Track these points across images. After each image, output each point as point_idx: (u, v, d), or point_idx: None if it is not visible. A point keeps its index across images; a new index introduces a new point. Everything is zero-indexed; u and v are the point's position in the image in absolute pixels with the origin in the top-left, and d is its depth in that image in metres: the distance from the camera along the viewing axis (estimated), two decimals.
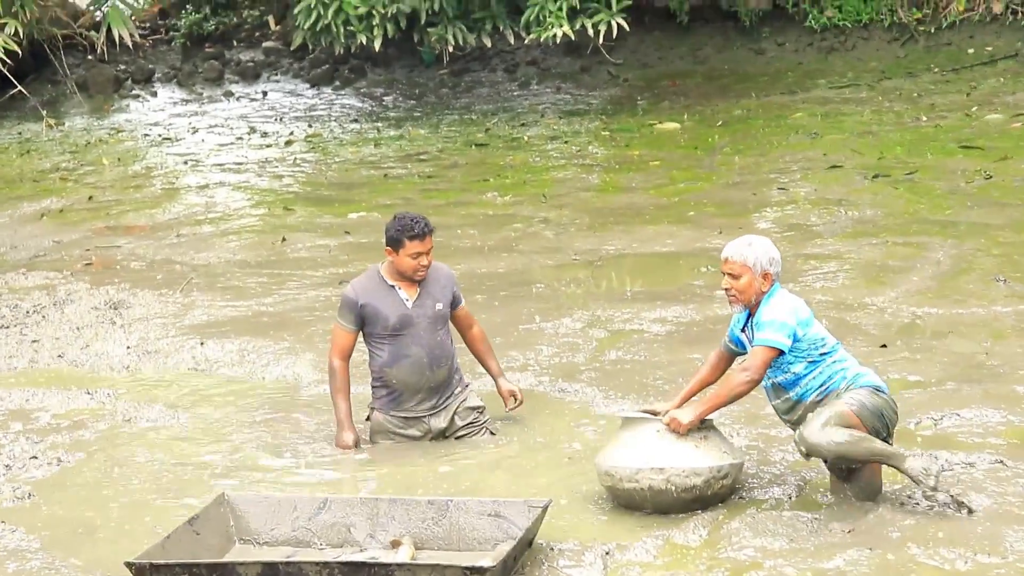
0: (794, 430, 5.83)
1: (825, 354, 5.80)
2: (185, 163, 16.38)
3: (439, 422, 6.92)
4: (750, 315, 5.87)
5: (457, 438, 6.92)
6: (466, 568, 4.90)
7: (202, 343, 8.96)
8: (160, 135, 18.39)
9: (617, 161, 15.15)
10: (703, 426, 5.86)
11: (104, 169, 16.10)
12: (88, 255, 11.87)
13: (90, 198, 14.42)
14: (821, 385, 5.79)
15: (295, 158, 16.52)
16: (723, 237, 11.42)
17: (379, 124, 18.45)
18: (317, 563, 4.98)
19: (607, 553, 5.39)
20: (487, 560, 5.11)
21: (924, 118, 15.82)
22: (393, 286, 6.80)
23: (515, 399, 7.11)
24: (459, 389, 6.99)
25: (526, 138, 16.83)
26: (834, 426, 5.59)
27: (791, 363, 5.79)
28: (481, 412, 7.01)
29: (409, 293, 6.81)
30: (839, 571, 5.10)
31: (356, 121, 18.85)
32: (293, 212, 13.39)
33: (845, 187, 12.83)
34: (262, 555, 5.50)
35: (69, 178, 15.66)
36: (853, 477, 5.81)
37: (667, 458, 5.77)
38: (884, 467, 5.80)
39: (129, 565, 5.07)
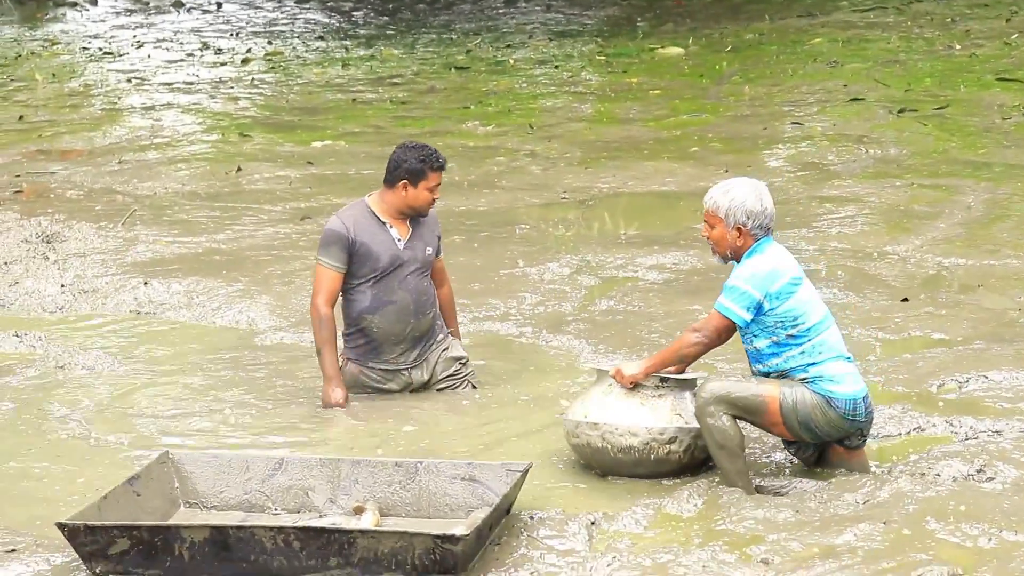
0: None
1: (794, 338, 5.67)
2: (128, 81, 16.29)
3: (421, 375, 6.95)
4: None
5: (438, 390, 6.95)
6: (436, 536, 4.92)
7: (146, 283, 8.95)
8: (100, 49, 18.26)
9: (613, 89, 15.13)
10: (665, 384, 5.84)
11: (37, 85, 16.01)
12: (18, 181, 11.83)
13: (20, 118, 14.34)
14: (781, 373, 5.72)
15: (253, 78, 16.43)
16: (730, 176, 11.43)
17: (347, 42, 18.36)
18: (271, 528, 4.99)
19: (593, 523, 5.42)
20: (459, 528, 5.13)
21: (958, 46, 15.81)
22: (385, 223, 6.79)
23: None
24: (440, 336, 7.01)
25: (512, 61, 16.77)
26: (731, 414, 5.61)
27: (755, 335, 5.74)
28: (464, 363, 7.04)
29: (401, 232, 6.81)
30: (849, 547, 5.14)
31: (322, 38, 18.75)
32: (250, 139, 13.35)
33: (867, 122, 12.83)
34: (210, 519, 5.52)
35: None
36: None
37: (604, 413, 5.82)
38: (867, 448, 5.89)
39: (61, 527, 5.07)
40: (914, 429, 6.29)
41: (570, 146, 12.75)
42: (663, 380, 5.84)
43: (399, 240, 6.79)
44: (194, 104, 15.13)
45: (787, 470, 5.92)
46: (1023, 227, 9.64)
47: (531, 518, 5.45)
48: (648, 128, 13.31)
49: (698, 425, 5.77)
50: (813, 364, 5.69)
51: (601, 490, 5.81)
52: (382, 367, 6.88)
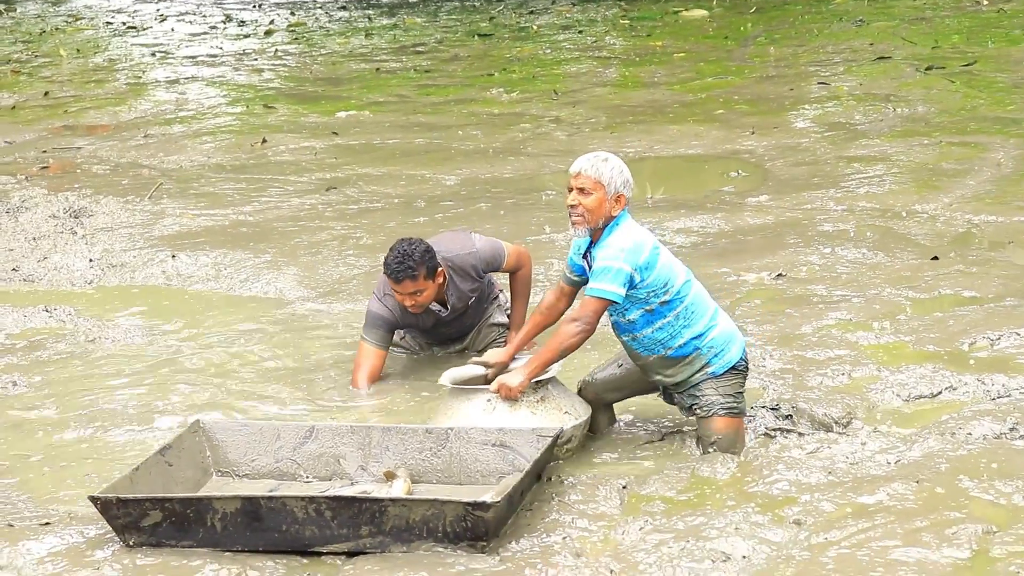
0: (647, 376, 5.79)
1: (667, 304, 5.61)
2: (152, 55, 16.29)
3: (459, 344, 7.07)
4: (592, 241, 5.69)
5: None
6: (467, 503, 4.91)
7: (173, 256, 8.96)
8: (124, 23, 18.27)
9: (637, 53, 15.06)
10: (539, 384, 5.73)
11: (61, 61, 16.02)
12: (45, 157, 11.85)
13: (46, 94, 14.36)
14: (661, 342, 5.66)
15: (276, 50, 16.42)
16: (756, 138, 11.38)
17: (370, 12, 18.31)
18: (302, 498, 5.00)
19: (624, 487, 5.41)
20: (490, 494, 5.13)
21: (985, 2, 15.68)
22: None
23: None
24: (486, 304, 7.02)
25: (535, 27, 16.70)
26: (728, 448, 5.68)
27: (626, 309, 5.65)
28: (505, 330, 7.05)
29: (437, 303, 6.72)
30: (882, 506, 5.12)
31: (344, 8, 18.71)
32: (274, 110, 13.34)
33: (894, 80, 12.74)
34: (242, 488, 5.54)
35: (22, 71, 15.59)
36: None
37: None
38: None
39: (94, 500, 5.08)
40: (946, 388, 6.25)
41: (595, 111, 12.70)
42: (537, 382, 5.73)
43: (440, 311, 6.72)
44: (218, 77, 15.13)
45: (817, 434, 5.89)
46: None
47: (562, 482, 5.44)
48: (673, 92, 13.24)
49: (584, 417, 5.75)
50: (698, 337, 5.64)
51: (633, 454, 5.79)
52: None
